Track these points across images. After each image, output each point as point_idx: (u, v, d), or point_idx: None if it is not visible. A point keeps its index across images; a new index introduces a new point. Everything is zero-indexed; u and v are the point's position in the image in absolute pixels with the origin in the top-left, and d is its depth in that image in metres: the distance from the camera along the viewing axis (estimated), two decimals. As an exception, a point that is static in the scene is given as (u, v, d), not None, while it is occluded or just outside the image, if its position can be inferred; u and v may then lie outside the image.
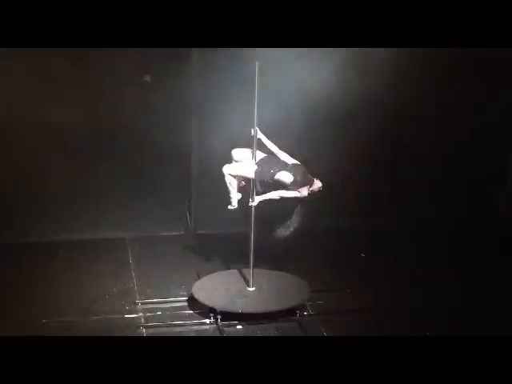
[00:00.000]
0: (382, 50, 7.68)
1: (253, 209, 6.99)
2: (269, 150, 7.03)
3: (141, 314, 6.97)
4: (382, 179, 9.13)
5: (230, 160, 7.03)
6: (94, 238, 8.62)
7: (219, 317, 6.75)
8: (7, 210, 8.41)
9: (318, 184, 7.03)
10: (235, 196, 7.04)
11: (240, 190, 7.08)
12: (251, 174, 6.89)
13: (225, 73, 8.32)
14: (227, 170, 6.93)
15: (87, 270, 7.79)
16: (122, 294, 7.37)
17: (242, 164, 6.97)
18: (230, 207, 7.08)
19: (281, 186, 6.97)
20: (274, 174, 6.89)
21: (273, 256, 8.04)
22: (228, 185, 6.97)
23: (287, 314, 6.83)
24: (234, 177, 6.95)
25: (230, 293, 7.04)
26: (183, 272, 7.85)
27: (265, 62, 6.78)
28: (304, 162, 7.08)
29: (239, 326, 6.77)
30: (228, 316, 6.76)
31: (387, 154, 9.11)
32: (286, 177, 6.91)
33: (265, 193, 6.99)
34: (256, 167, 6.89)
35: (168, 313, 7.01)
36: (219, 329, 6.67)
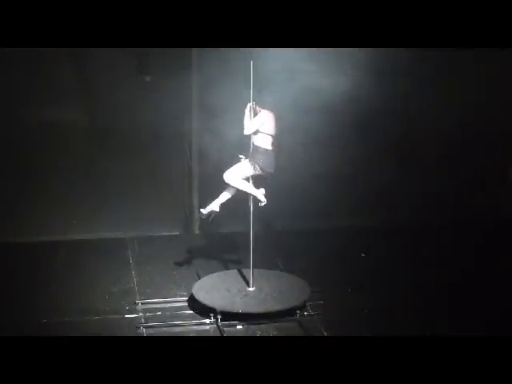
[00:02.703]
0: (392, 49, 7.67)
1: (251, 209, 6.98)
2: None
3: (141, 313, 6.96)
4: (382, 179, 9.12)
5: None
6: (94, 238, 8.63)
7: (219, 317, 6.75)
8: (7, 209, 8.42)
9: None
10: (258, 193, 6.93)
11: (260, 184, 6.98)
12: (250, 171, 6.83)
13: (225, 72, 8.31)
14: (227, 177, 6.82)
15: (87, 270, 7.79)
16: (122, 293, 7.37)
17: (237, 166, 6.85)
18: (261, 204, 6.93)
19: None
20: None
21: (273, 256, 8.04)
22: (243, 189, 6.87)
23: (287, 314, 6.83)
24: (242, 179, 6.85)
25: (230, 293, 7.05)
26: (183, 272, 7.85)
27: (269, 62, 6.78)
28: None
29: (239, 326, 6.76)
30: (228, 316, 6.76)
31: (388, 154, 9.11)
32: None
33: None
34: (250, 163, 6.82)
35: (168, 313, 7.00)
36: (219, 329, 6.67)
